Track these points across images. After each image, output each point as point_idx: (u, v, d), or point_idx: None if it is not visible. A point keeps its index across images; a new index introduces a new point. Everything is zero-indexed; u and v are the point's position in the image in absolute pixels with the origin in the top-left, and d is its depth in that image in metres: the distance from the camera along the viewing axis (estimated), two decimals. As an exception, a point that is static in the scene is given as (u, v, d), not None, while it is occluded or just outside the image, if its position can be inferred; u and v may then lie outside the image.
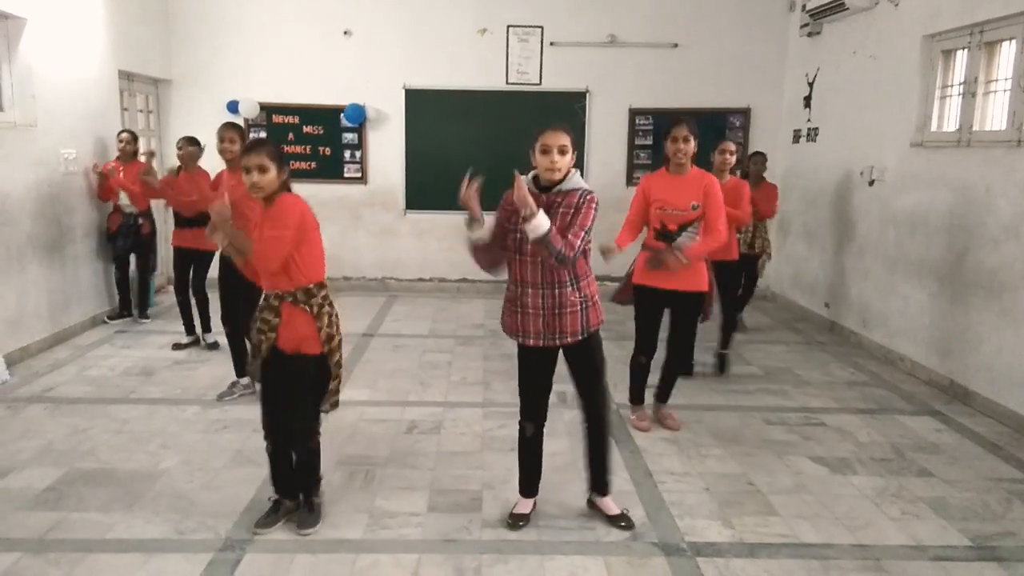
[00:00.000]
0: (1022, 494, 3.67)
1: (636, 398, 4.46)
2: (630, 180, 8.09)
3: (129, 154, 6.34)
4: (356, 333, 6.34)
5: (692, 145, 3.97)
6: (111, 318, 6.59)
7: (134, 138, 6.41)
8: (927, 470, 3.92)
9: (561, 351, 3.18)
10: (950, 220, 5.18)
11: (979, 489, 3.71)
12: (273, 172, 2.97)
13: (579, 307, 3.07)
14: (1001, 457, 4.12)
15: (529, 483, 3.34)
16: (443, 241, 8.27)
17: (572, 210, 2.96)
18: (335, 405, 3.22)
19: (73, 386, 4.93)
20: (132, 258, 6.58)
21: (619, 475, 3.74)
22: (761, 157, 6.27)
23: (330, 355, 3.10)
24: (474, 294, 8.31)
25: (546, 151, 2.94)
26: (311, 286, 3.06)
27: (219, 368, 5.30)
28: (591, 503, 3.38)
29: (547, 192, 3.01)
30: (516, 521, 3.26)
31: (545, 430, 3.30)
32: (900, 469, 3.93)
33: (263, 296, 3.11)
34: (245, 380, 4.81)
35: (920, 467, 3.96)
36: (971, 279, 4.96)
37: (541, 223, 2.81)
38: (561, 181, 2.99)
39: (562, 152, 2.94)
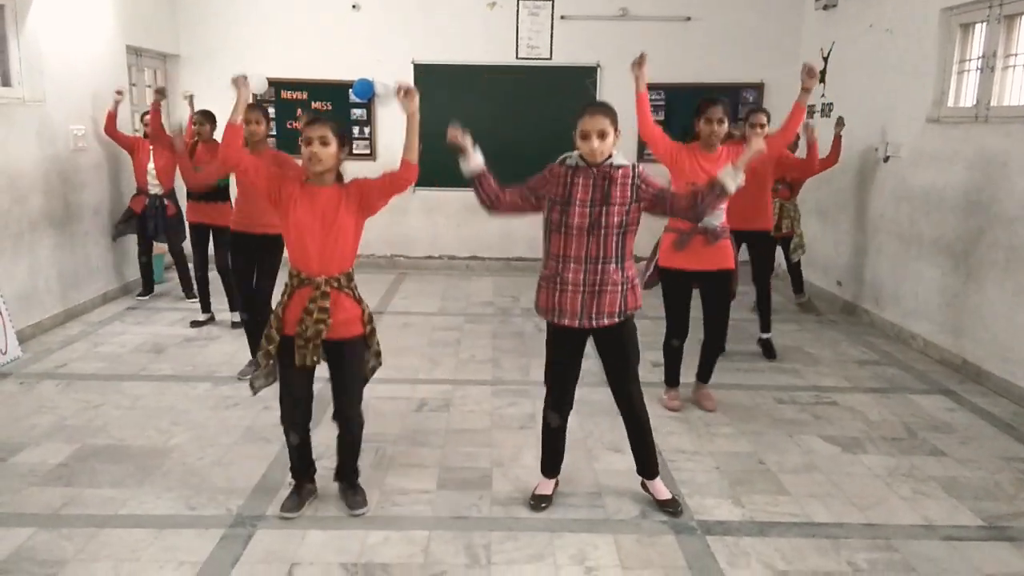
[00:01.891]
0: (1035, 474, 3.65)
1: (671, 380, 4.39)
2: (641, 156, 8.00)
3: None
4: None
5: (726, 126, 4.02)
6: (141, 295, 6.63)
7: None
8: (939, 449, 3.90)
9: (593, 339, 3.11)
10: (966, 197, 5.11)
11: (991, 469, 3.69)
12: (334, 147, 2.97)
13: (620, 287, 2.98)
14: (1014, 437, 4.09)
15: (552, 465, 3.33)
16: (452, 218, 8.24)
17: (632, 181, 2.90)
18: (374, 370, 3.18)
19: (85, 362, 4.96)
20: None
21: (630, 453, 3.74)
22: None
23: (371, 336, 3.09)
24: (483, 271, 8.29)
25: (585, 136, 2.86)
26: (351, 270, 3.05)
27: (229, 345, 5.33)
28: (643, 486, 3.34)
29: (598, 167, 2.91)
30: (539, 502, 3.25)
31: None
32: (912, 448, 3.91)
33: (300, 281, 2.95)
34: None
35: (932, 446, 3.94)
36: (986, 257, 4.89)
37: (735, 177, 2.88)
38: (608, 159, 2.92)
39: (601, 136, 2.84)
